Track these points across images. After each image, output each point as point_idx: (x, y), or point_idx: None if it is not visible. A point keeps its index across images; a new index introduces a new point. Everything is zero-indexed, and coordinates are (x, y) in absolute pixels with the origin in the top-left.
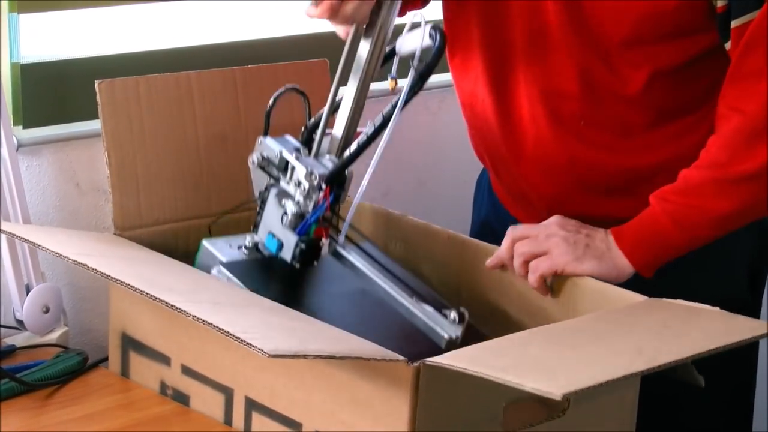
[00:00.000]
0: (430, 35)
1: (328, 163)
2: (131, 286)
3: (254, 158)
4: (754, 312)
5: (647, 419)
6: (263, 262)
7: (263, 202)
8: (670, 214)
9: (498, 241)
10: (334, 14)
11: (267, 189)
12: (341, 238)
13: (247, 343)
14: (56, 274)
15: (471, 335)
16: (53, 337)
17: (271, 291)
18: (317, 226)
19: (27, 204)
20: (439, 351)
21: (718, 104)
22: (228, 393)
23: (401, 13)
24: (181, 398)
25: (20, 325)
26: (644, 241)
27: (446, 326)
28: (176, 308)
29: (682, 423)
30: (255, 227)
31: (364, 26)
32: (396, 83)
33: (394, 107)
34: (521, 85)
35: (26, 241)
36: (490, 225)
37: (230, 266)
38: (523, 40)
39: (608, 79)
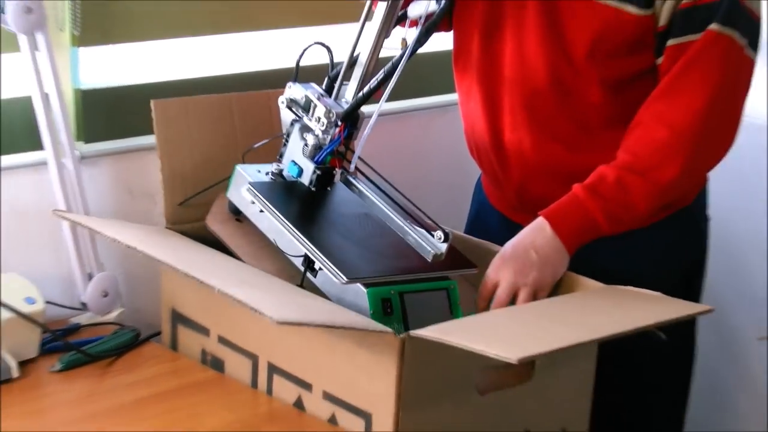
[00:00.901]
0: (437, 0)
1: (344, 104)
2: (176, 269)
3: (283, 99)
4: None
5: (614, 379)
6: (285, 185)
7: (288, 135)
8: (603, 210)
9: (486, 234)
10: None
11: (292, 124)
12: (351, 167)
13: (261, 312)
14: (113, 265)
15: (454, 254)
16: (111, 316)
17: (290, 210)
18: (332, 157)
19: (89, 207)
20: (427, 264)
21: (643, 112)
22: (254, 359)
23: None
24: (218, 364)
25: (84, 306)
26: (578, 231)
27: (433, 244)
28: (210, 286)
29: (642, 380)
30: (280, 156)
31: None
32: (405, 43)
33: (401, 58)
34: (506, 94)
35: (89, 228)
36: (479, 218)
37: (256, 185)
38: (511, 58)
39: (574, 83)
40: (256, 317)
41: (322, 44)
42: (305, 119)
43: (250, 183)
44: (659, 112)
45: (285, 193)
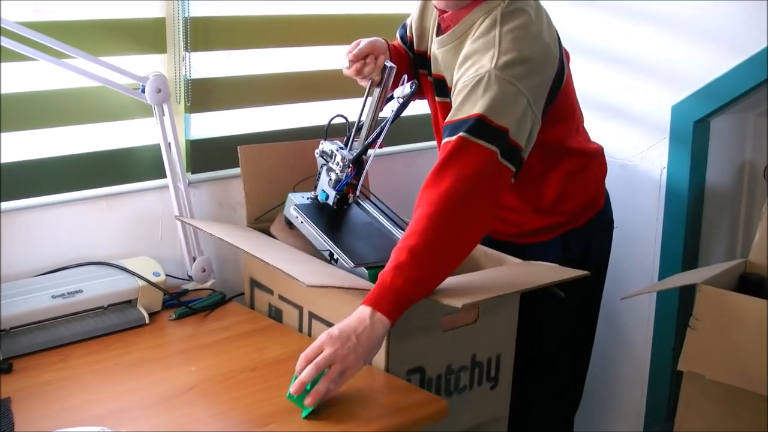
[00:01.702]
0: (410, 86)
1: (346, 158)
2: (251, 254)
3: (317, 151)
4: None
5: (529, 325)
6: (318, 205)
7: (319, 174)
8: (414, 282)
9: None
10: (359, 73)
11: (322, 167)
12: (357, 192)
13: (296, 279)
14: (208, 251)
15: None
16: (207, 284)
17: (320, 221)
18: (347, 187)
19: (194, 214)
20: None
21: (420, 196)
22: (300, 309)
23: (396, 78)
24: (279, 313)
25: (190, 278)
26: (398, 305)
27: None
28: (268, 263)
29: (551, 323)
30: (315, 188)
31: (376, 83)
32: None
33: (385, 125)
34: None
35: (196, 227)
36: None
37: (299, 206)
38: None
39: None
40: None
41: (342, 116)
42: (330, 163)
43: (295, 205)
44: (426, 190)
45: (318, 211)
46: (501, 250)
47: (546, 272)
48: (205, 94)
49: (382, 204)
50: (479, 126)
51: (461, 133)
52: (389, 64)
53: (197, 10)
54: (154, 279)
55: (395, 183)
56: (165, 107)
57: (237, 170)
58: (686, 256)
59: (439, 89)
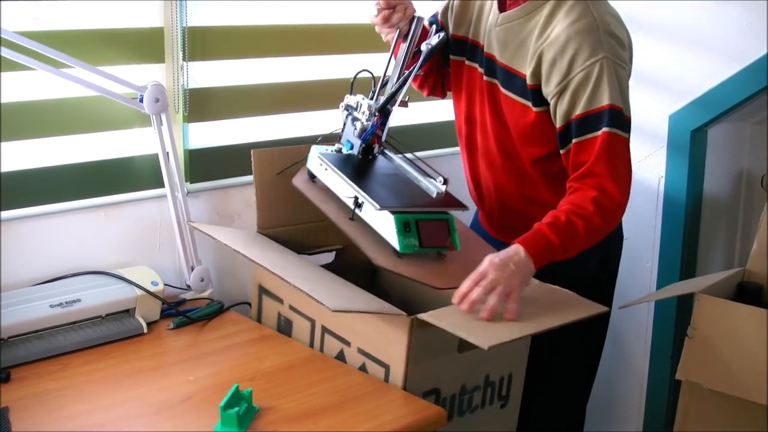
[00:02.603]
0: (437, 36)
1: (372, 106)
2: (269, 269)
3: (342, 105)
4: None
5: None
6: (342, 156)
7: (344, 125)
8: (559, 240)
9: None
10: (386, 21)
11: (346, 117)
12: (383, 137)
13: (321, 303)
14: (207, 260)
15: (451, 199)
16: (205, 294)
17: (345, 169)
18: (372, 137)
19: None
20: (434, 202)
21: (577, 181)
22: (312, 322)
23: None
24: (288, 324)
25: (188, 287)
26: (542, 255)
27: (437, 186)
28: (285, 280)
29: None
30: (339, 138)
31: (402, 34)
32: (405, 104)
33: (411, 72)
34: (479, 155)
35: (209, 235)
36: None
37: (324, 155)
38: (480, 130)
39: (515, 154)
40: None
41: (367, 70)
42: (355, 113)
43: (320, 153)
44: (584, 183)
45: (342, 160)
46: None
47: (569, 305)
48: (203, 104)
49: (408, 153)
50: (613, 117)
51: (605, 129)
52: (418, 15)
53: (195, 20)
54: (152, 288)
55: None
56: (163, 117)
57: (236, 179)
58: (684, 265)
59: (490, 68)
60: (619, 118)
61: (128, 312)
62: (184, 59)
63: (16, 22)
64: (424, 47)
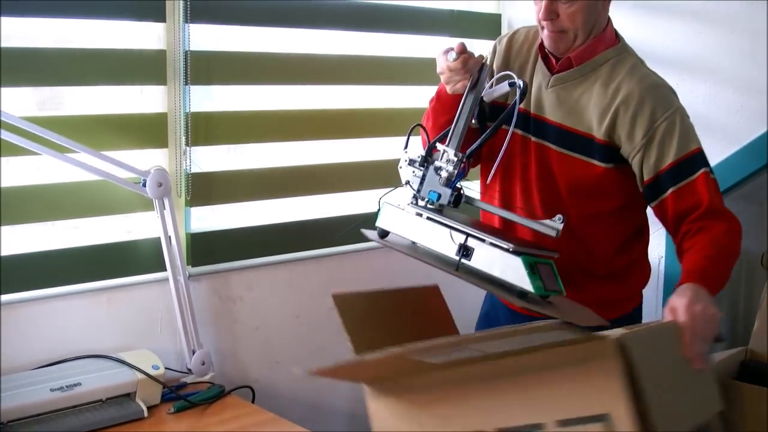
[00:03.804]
0: (519, 86)
1: (459, 154)
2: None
3: (403, 161)
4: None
5: None
6: (434, 208)
7: (423, 177)
8: (721, 277)
9: (496, 322)
10: (464, 65)
11: (421, 168)
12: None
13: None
14: (208, 344)
15: (539, 248)
16: (206, 377)
17: (448, 219)
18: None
19: (194, 308)
20: (531, 244)
21: (697, 223)
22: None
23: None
24: None
25: (189, 371)
26: (715, 289)
27: (554, 226)
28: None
29: None
30: (417, 192)
31: (472, 83)
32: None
33: (503, 117)
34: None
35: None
36: (491, 312)
37: (418, 207)
38: (520, 192)
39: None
40: None
41: (420, 125)
42: (436, 162)
43: (411, 203)
44: (710, 221)
45: (436, 212)
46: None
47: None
48: (205, 188)
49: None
50: (704, 157)
51: (703, 170)
52: (486, 62)
53: (198, 106)
54: (153, 372)
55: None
56: (166, 201)
57: (238, 263)
58: None
59: (539, 129)
60: (706, 158)
61: (129, 396)
62: (186, 144)
63: (20, 107)
64: (486, 96)
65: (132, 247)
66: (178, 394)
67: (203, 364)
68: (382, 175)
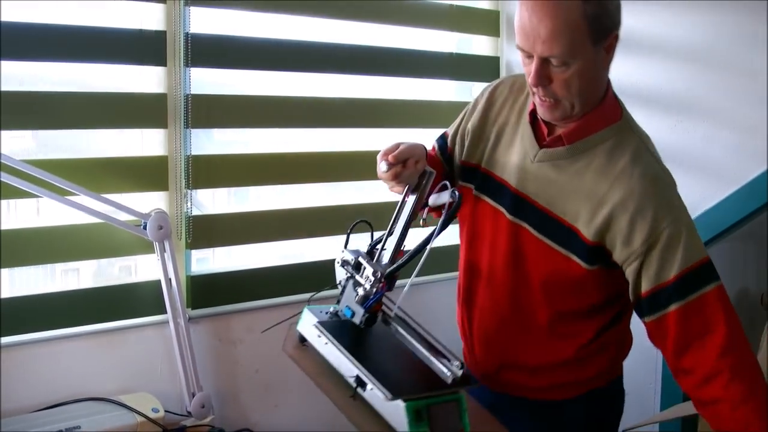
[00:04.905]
0: (452, 194)
1: (384, 267)
2: None
3: (338, 260)
4: None
5: None
6: (341, 323)
7: (344, 288)
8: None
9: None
10: (395, 177)
11: (348, 279)
12: (392, 313)
13: None
14: (208, 387)
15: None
16: (206, 420)
17: (346, 341)
18: (375, 304)
19: (194, 350)
20: (445, 385)
21: (705, 365)
22: None
23: (433, 186)
24: None
25: (189, 414)
26: None
27: (453, 370)
28: None
29: None
30: (337, 302)
31: (412, 188)
32: (425, 223)
33: (429, 237)
34: (479, 291)
35: None
36: None
37: (323, 324)
38: (486, 267)
39: (530, 308)
40: None
41: (365, 221)
42: (357, 276)
43: (318, 322)
44: (736, 363)
45: (342, 329)
46: (510, 408)
47: None
48: (206, 231)
49: (412, 320)
50: (713, 269)
51: (716, 283)
52: (429, 169)
53: (198, 149)
54: (152, 415)
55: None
56: (166, 243)
57: (237, 305)
58: None
59: (518, 207)
60: (715, 270)
61: None
62: (187, 187)
63: (21, 150)
64: (431, 201)
65: (132, 289)
66: None
67: (203, 407)
68: (379, 217)
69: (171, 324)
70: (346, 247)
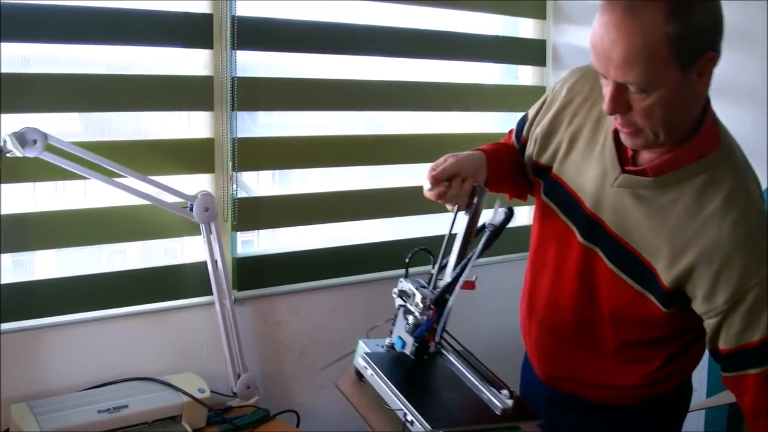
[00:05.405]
0: (504, 213)
1: (427, 300)
2: None
3: (395, 291)
4: None
5: None
6: (393, 355)
7: (396, 318)
8: None
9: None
10: (440, 197)
11: (399, 308)
12: (437, 339)
13: None
14: (253, 368)
15: (521, 406)
16: (251, 401)
17: (394, 374)
18: (427, 334)
19: (239, 331)
20: (496, 417)
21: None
22: None
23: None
24: None
25: (234, 395)
26: None
27: (502, 399)
28: None
29: None
30: (391, 333)
31: (463, 206)
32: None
33: (469, 259)
34: (537, 313)
35: None
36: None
37: (370, 355)
38: (553, 282)
39: (594, 330)
40: None
41: (425, 249)
42: (408, 305)
43: (364, 353)
44: None
45: (392, 361)
46: (566, 407)
47: None
48: (251, 213)
49: (467, 352)
50: None
51: None
52: (480, 186)
53: (244, 131)
54: (198, 395)
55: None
56: (212, 225)
57: (283, 287)
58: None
59: (592, 231)
60: None
61: (174, 419)
62: (233, 169)
63: (70, 132)
64: (489, 219)
65: (178, 271)
66: (224, 418)
67: (248, 387)
68: (427, 201)
69: (217, 305)
70: (405, 277)
